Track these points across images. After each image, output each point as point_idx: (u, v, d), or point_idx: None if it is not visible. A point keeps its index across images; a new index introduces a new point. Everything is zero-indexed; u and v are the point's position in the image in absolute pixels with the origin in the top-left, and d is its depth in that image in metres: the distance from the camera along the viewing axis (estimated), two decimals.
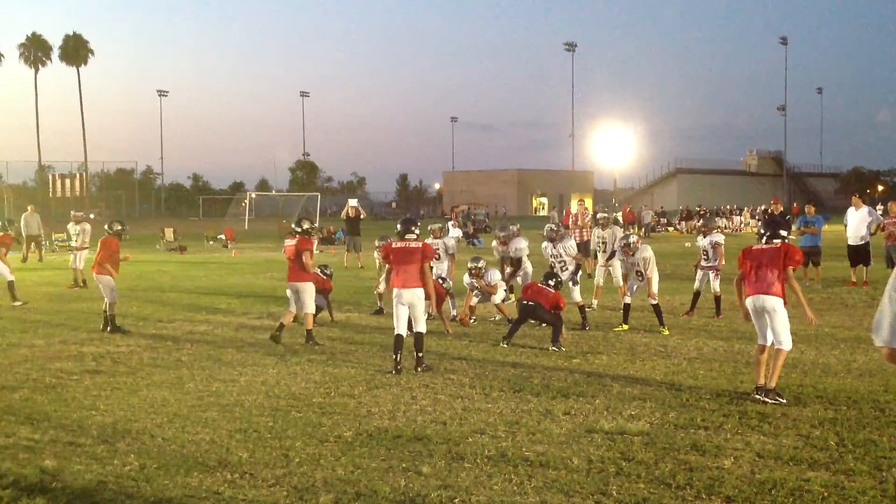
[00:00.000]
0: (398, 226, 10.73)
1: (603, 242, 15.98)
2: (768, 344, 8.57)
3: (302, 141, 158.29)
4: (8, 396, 9.02)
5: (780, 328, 8.47)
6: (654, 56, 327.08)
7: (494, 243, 16.62)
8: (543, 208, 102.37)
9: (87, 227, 21.28)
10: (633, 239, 13.37)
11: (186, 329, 13.73)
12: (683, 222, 55.29)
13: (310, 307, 12.21)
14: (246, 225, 59.67)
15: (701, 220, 15.75)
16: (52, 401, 8.80)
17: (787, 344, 8.50)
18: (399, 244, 10.46)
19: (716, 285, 14.61)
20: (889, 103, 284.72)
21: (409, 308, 10.27)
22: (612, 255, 15.50)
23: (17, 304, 16.79)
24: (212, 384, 9.58)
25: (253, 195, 77.88)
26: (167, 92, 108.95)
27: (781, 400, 8.31)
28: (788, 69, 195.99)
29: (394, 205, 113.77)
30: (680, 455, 6.71)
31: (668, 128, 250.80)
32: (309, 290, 12.22)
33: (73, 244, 21.49)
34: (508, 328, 12.25)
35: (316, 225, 13.12)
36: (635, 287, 13.26)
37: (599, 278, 16.21)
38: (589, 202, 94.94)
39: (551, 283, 12.43)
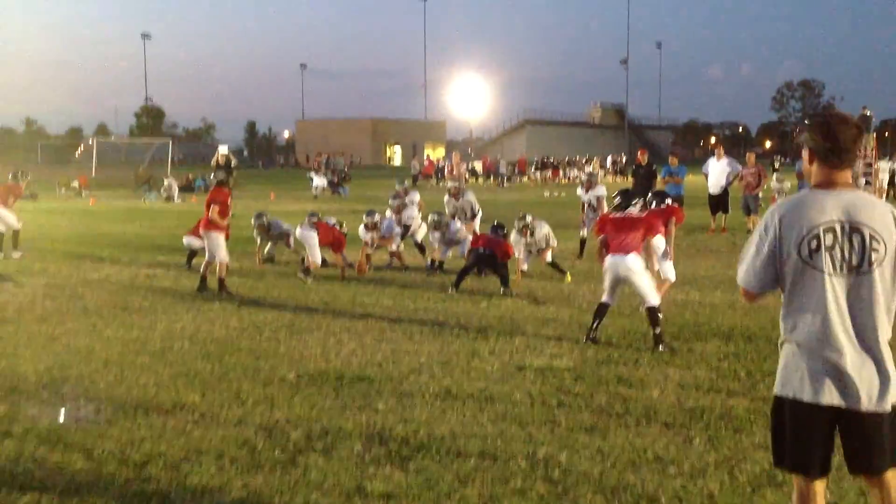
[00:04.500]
0: (617, 198, 9.83)
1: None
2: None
3: (144, 86, 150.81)
4: None
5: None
6: (506, 7, 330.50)
7: (447, 198, 15.58)
8: (397, 157, 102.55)
9: None
10: (529, 219, 13.00)
11: (80, 278, 13.46)
12: (538, 172, 56.83)
13: (222, 257, 12.11)
14: (93, 172, 57.27)
15: (586, 176, 16.26)
16: None
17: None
18: (618, 214, 9.45)
19: None
20: (721, 59, 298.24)
21: (625, 281, 8.95)
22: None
23: (17, 255, 16.09)
24: (130, 331, 9.56)
25: (93, 141, 74.58)
26: None
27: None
28: (630, 23, 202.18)
29: (244, 153, 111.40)
30: (610, 388, 7.25)
31: (518, 79, 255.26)
32: (215, 239, 12.13)
33: None
34: (457, 275, 12.26)
35: (235, 174, 12.99)
36: (530, 258, 13.33)
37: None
38: (441, 151, 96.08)
39: (501, 232, 12.93)
